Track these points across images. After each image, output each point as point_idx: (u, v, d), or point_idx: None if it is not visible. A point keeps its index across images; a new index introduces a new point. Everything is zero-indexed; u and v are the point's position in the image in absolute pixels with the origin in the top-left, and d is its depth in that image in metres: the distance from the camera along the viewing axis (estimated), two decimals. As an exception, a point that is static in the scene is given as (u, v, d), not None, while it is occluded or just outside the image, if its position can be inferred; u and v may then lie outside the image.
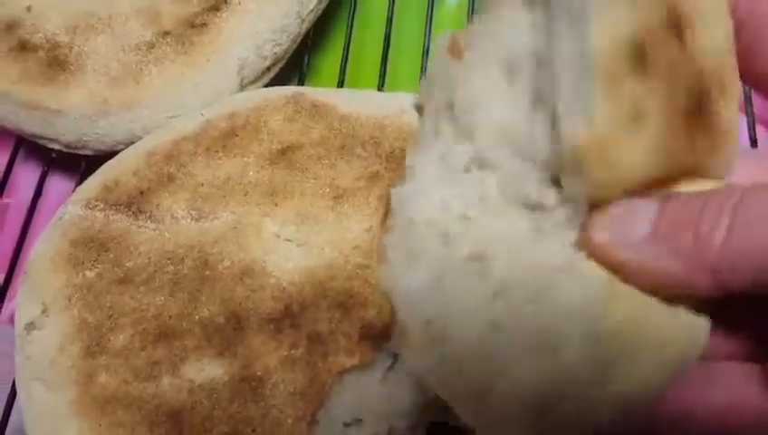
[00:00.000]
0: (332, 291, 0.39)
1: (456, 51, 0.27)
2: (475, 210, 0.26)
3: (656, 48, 0.20)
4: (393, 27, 0.56)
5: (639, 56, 0.20)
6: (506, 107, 0.26)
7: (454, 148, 0.27)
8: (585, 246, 0.24)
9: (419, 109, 0.29)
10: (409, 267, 0.26)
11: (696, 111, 0.21)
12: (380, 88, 0.53)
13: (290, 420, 0.35)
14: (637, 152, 0.21)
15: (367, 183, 0.42)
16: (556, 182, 0.24)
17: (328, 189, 0.42)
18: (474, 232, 0.26)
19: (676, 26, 0.20)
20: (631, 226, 0.23)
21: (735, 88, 0.22)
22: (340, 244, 0.40)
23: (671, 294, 0.24)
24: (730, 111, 0.22)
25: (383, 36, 0.56)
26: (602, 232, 0.24)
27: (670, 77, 0.21)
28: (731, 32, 0.22)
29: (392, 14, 0.57)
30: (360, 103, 0.46)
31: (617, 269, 0.24)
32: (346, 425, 0.37)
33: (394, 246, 0.27)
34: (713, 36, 0.21)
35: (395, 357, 0.38)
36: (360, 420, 0.37)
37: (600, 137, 0.20)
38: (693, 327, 0.24)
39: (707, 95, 0.21)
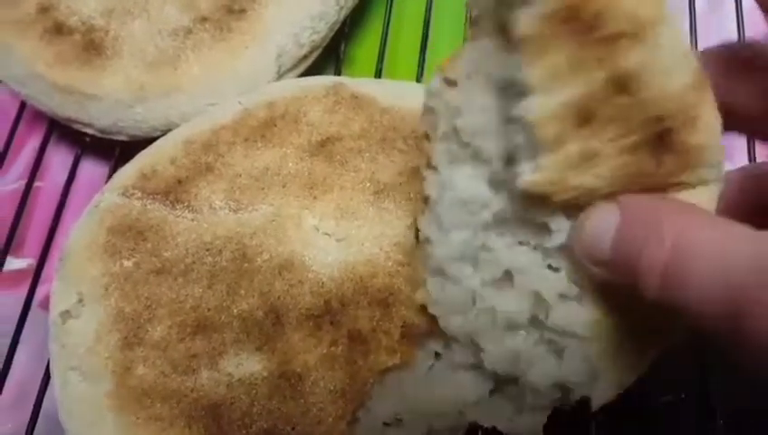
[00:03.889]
0: (373, 288, 0.38)
1: (450, 82, 0.31)
2: (495, 242, 0.31)
3: (599, 103, 0.25)
4: (432, 16, 0.55)
5: (584, 112, 0.26)
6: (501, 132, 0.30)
7: (470, 186, 0.31)
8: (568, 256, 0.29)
9: (427, 136, 0.34)
10: (451, 313, 0.33)
11: (658, 141, 0.26)
12: (419, 79, 0.52)
13: (330, 419, 0.35)
14: (588, 179, 0.26)
15: (408, 178, 0.41)
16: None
17: (368, 184, 0.41)
18: (494, 261, 0.31)
19: (621, 83, 0.25)
20: (596, 243, 0.27)
21: (707, 115, 0.26)
22: (381, 240, 0.40)
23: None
24: (699, 137, 0.26)
25: (422, 25, 0.54)
26: (577, 245, 0.28)
27: (619, 121, 0.26)
28: (696, 72, 0.26)
29: (431, 2, 0.56)
30: (400, 95, 0.45)
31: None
32: (386, 425, 0.36)
33: (434, 290, 0.33)
34: (668, 83, 0.25)
35: (436, 356, 0.37)
36: (401, 420, 0.36)
37: (549, 176, 0.26)
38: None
39: (669, 128, 0.26)
